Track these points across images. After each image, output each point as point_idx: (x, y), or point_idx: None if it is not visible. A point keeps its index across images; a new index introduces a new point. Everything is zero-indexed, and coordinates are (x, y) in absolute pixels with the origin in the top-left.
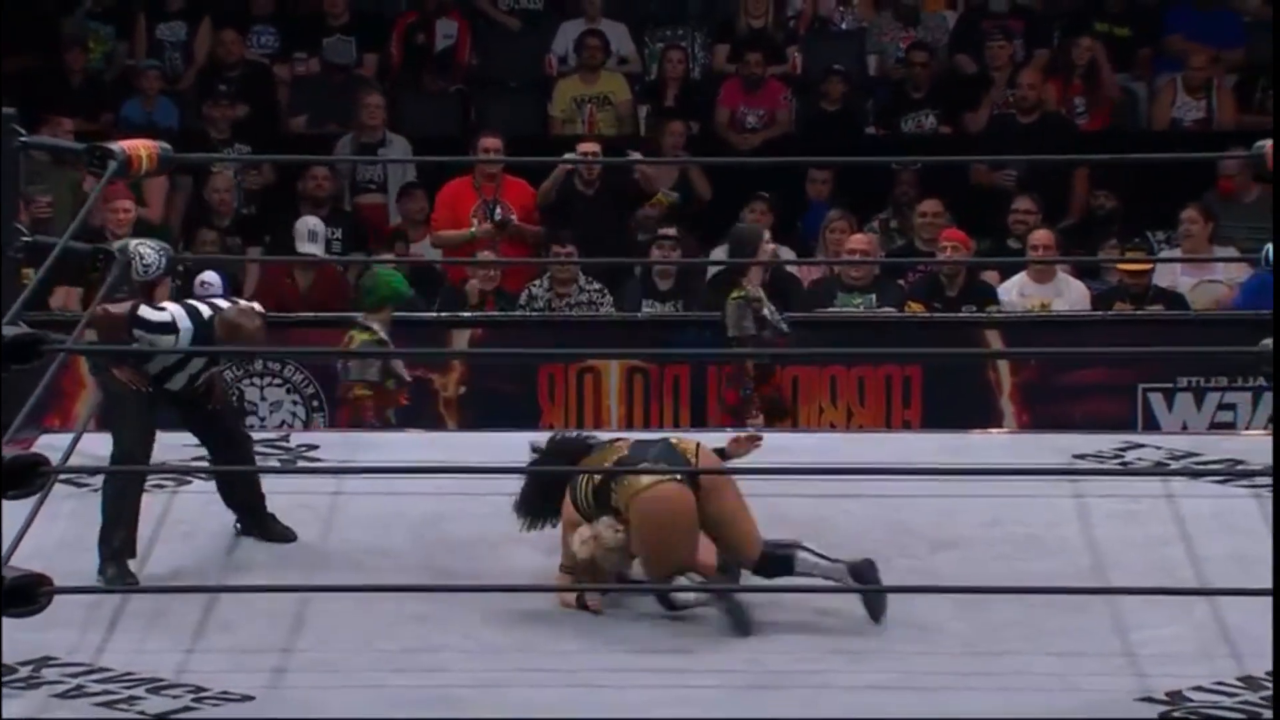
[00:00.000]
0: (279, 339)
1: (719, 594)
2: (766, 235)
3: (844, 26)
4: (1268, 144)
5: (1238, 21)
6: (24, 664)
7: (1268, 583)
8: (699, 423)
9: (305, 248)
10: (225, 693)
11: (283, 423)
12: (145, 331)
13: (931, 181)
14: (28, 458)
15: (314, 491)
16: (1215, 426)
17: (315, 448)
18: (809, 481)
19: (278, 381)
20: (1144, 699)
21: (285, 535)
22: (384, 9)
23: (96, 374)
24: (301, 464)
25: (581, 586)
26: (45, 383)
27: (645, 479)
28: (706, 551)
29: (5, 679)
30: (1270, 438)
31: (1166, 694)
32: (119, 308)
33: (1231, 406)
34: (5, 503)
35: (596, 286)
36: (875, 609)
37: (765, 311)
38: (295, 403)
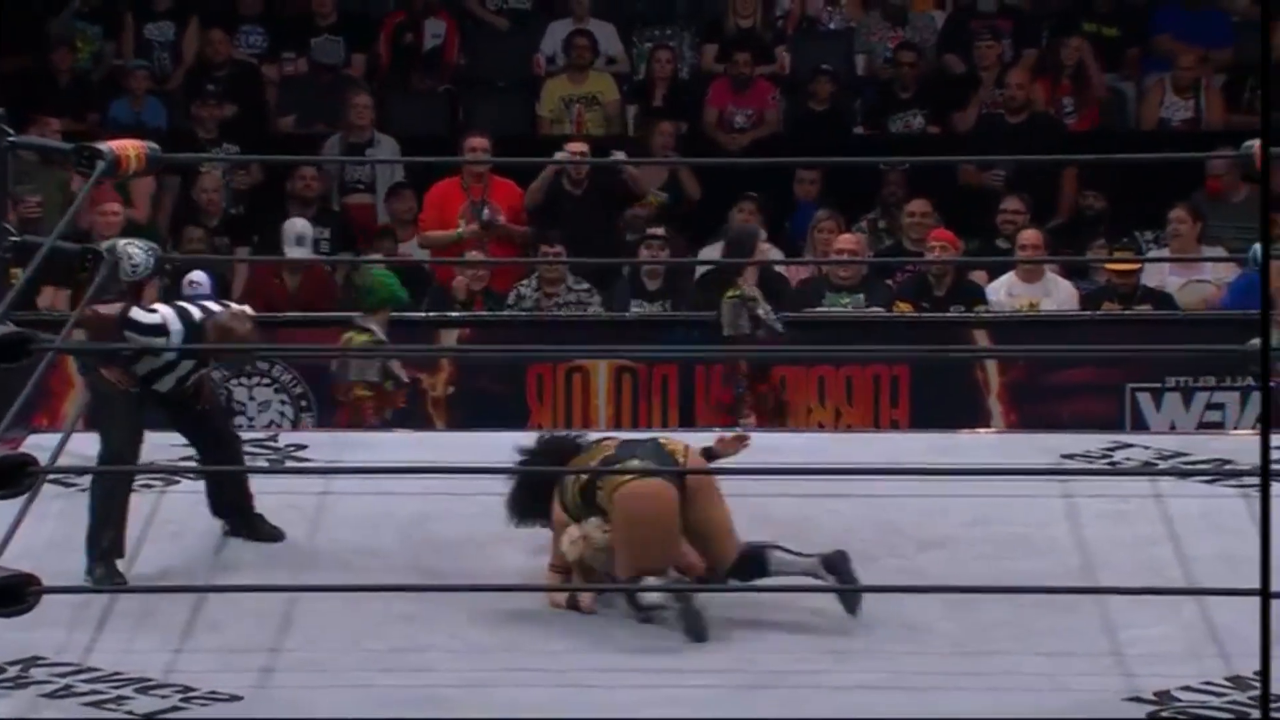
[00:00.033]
0: (268, 339)
1: (678, 597)
2: (763, 235)
3: (832, 26)
4: (1255, 144)
5: (1226, 21)
6: (12, 664)
7: (1255, 583)
8: (688, 422)
9: (293, 252)
10: (213, 692)
11: (271, 423)
12: (136, 334)
13: (919, 181)
14: (16, 458)
15: (302, 491)
16: (1203, 426)
17: (304, 447)
18: (797, 481)
19: (266, 381)
20: (1132, 699)
21: (273, 535)
22: (371, 9)
23: (85, 374)
24: (290, 464)
25: (567, 587)
26: (34, 382)
27: (630, 475)
28: (693, 552)
29: None
30: (1258, 437)
31: (1155, 694)
32: (109, 309)
33: (1220, 406)
34: None
35: (585, 286)
36: (850, 601)
37: (761, 311)
38: (283, 403)
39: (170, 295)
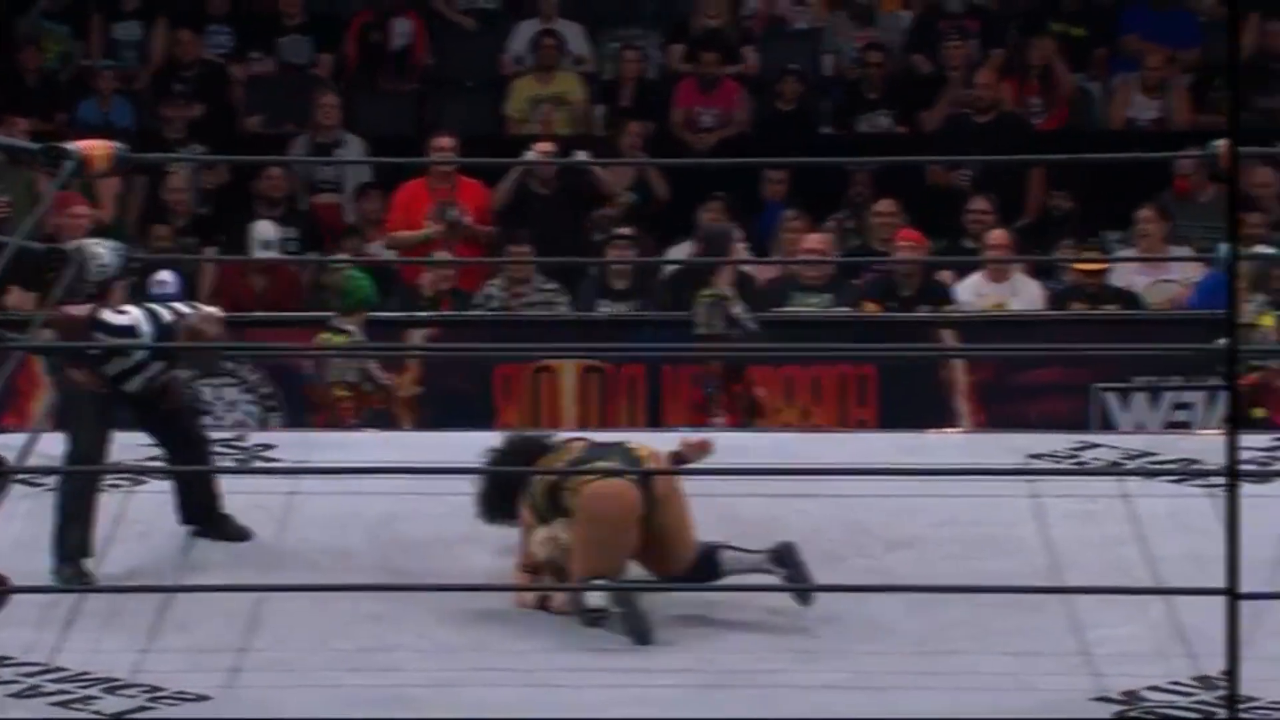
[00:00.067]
0: (236, 340)
1: (621, 601)
2: (737, 234)
3: (800, 26)
4: (1222, 144)
5: (1193, 21)
6: None
7: (1222, 582)
8: (657, 423)
9: (259, 255)
10: (181, 692)
11: (239, 422)
12: (106, 335)
13: (887, 181)
14: None
15: (270, 491)
16: (1171, 426)
17: (271, 447)
18: (764, 481)
19: (234, 381)
20: (1099, 699)
21: (241, 535)
22: (339, 9)
23: (53, 374)
24: (257, 464)
25: (535, 587)
26: (1, 382)
27: (595, 476)
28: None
29: None
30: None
31: (1122, 693)
32: (78, 310)
33: (1187, 406)
34: None
35: (552, 286)
36: (802, 594)
37: (735, 311)
38: (251, 402)
39: (137, 294)
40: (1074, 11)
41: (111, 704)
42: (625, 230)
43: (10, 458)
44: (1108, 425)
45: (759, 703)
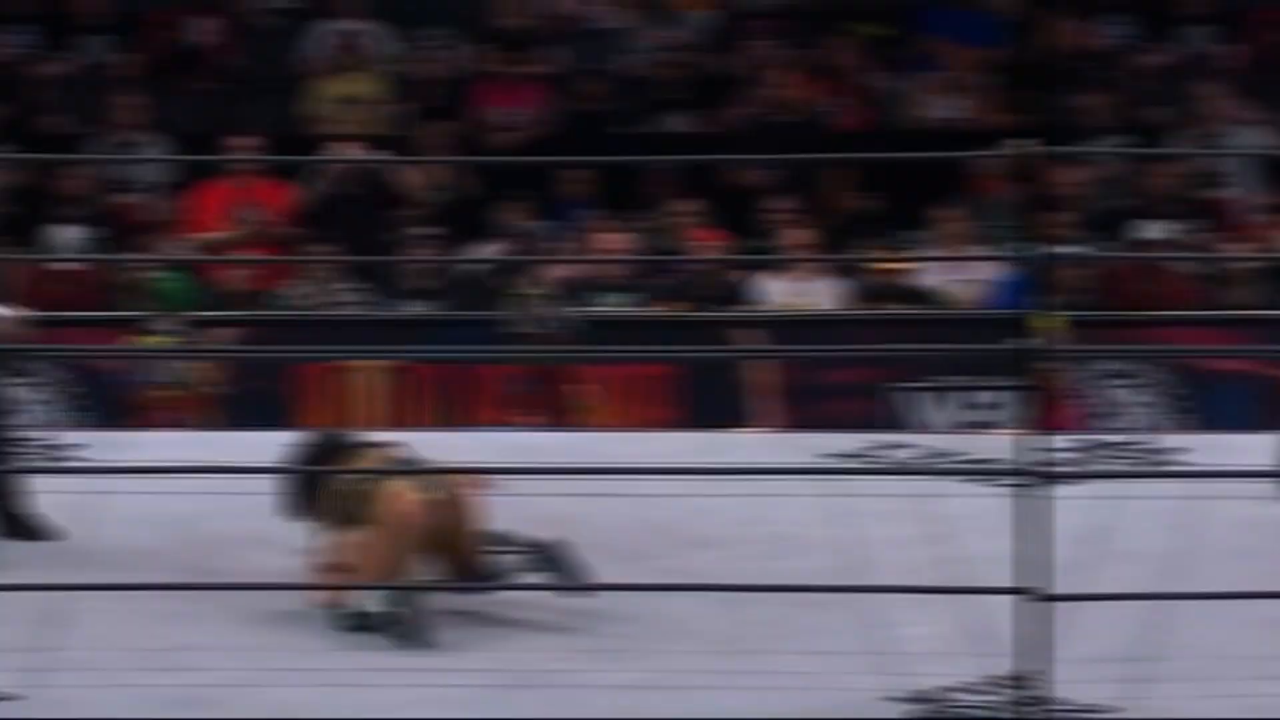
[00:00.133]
0: (45, 340)
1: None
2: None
3: (600, 26)
4: (1020, 143)
5: (995, 21)
6: None
7: (1016, 582)
8: (464, 423)
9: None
10: None
11: (46, 422)
12: None
13: (687, 181)
14: None
15: (76, 490)
16: (967, 425)
17: (79, 447)
18: (567, 480)
19: (42, 381)
20: (892, 698)
21: (46, 534)
22: (142, 8)
23: None
24: (65, 463)
25: (334, 585)
26: None
27: (391, 481)
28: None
29: None
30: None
31: (915, 692)
32: None
33: (984, 405)
34: None
35: (355, 286)
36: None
37: (546, 310)
38: (59, 402)
39: None
40: (877, 11)
41: None
42: (427, 230)
43: None
44: (905, 424)
45: (559, 703)
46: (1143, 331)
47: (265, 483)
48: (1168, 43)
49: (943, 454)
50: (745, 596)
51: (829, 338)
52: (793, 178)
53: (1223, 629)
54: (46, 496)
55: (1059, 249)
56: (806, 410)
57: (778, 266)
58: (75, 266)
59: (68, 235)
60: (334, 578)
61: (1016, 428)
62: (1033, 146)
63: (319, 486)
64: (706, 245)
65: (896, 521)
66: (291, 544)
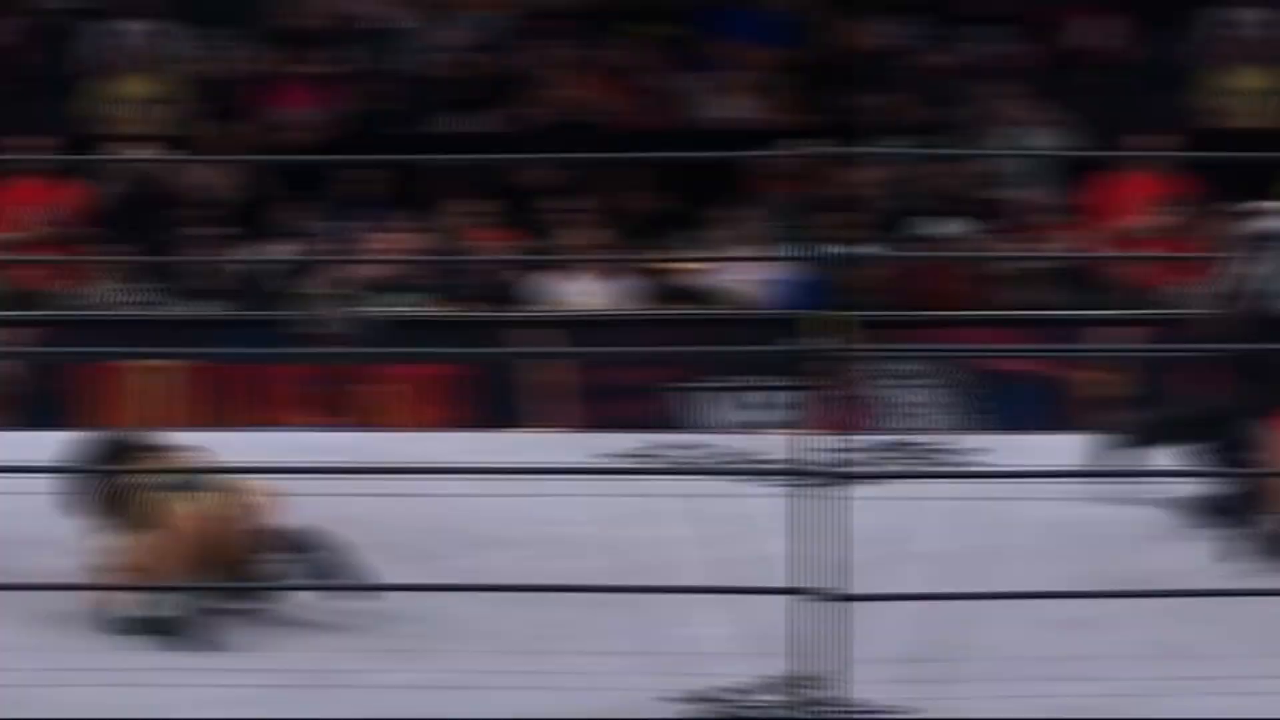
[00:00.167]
0: None
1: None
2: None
3: (391, 26)
4: (808, 143)
5: (785, 22)
6: None
7: (794, 582)
8: (260, 423)
9: None
10: None
11: None
12: None
13: (476, 180)
14: None
15: None
16: (753, 425)
17: None
18: (355, 480)
19: None
20: (671, 699)
21: None
22: None
23: None
24: None
25: (117, 586)
26: None
27: (178, 487)
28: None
29: None
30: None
31: (694, 693)
32: None
33: (764, 405)
34: None
35: (151, 286)
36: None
37: (339, 310)
38: None
39: None
40: (665, 11)
41: None
42: (221, 230)
43: None
44: (690, 424)
45: (346, 702)
46: (933, 332)
47: (51, 483)
48: (958, 43)
49: (728, 454)
50: (530, 597)
51: (619, 338)
52: (582, 178)
53: (1020, 629)
54: None
55: (847, 249)
56: (598, 410)
57: (565, 266)
58: None
59: None
60: (111, 579)
61: (799, 428)
62: (821, 146)
63: (103, 487)
64: (494, 245)
65: (680, 522)
66: (68, 544)
